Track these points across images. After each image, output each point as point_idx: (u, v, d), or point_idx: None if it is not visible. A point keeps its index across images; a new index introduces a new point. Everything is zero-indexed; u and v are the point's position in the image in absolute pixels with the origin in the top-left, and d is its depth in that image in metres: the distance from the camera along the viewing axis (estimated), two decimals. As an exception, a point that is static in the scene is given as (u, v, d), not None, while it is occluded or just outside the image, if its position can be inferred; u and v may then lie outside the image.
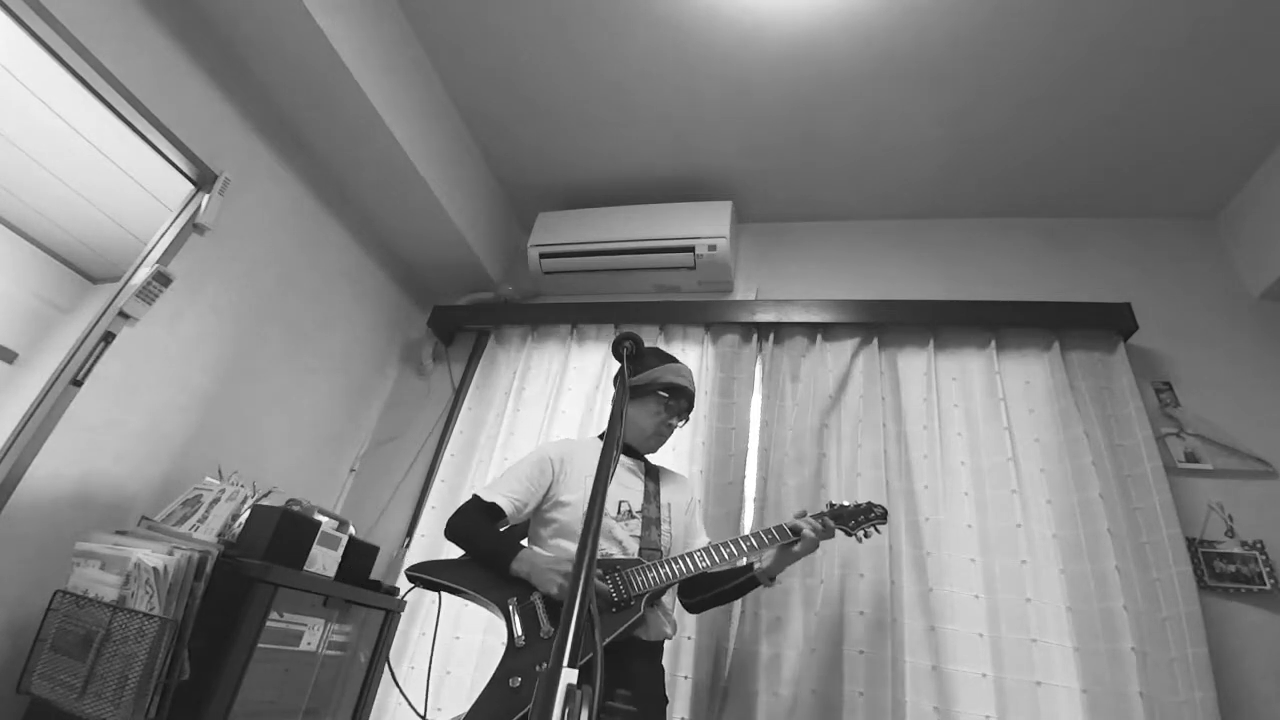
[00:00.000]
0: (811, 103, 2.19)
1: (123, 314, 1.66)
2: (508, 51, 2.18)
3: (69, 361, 1.58)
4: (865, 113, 2.21)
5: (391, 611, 1.75)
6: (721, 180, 2.59)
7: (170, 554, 1.28)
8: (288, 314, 2.22)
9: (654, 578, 1.28)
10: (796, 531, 1.38)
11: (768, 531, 1.38)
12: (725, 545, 1.35)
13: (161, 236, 1.81)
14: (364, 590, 1.65)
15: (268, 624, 1.35)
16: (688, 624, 1.80)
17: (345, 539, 1.62)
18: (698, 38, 2.02)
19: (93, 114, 1.74)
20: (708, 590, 1.46)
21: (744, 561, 1.40)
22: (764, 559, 1.42)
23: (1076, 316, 2.10)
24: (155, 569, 1.25)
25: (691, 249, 2.44)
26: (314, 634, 1.53)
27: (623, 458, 1.52)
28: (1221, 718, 1.46)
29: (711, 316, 2.41)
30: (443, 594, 1.34)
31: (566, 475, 1.45)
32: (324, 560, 1.55)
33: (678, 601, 1.51)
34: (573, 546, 1.35)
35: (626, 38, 2.06)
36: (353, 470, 2.56)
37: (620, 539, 1.37)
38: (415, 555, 2.15)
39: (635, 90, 2.25)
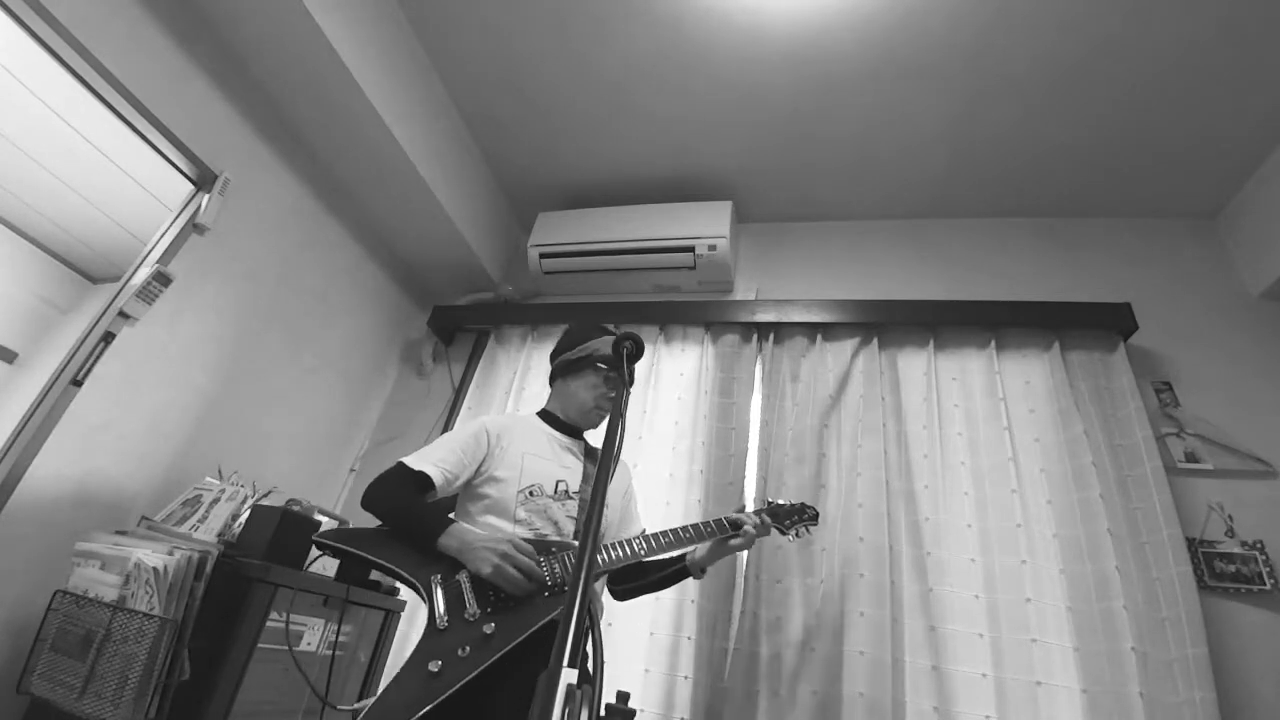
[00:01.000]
0: (812, 103, 2.19)
1: (123, 314, 1.66)
2: (508, 51, 2.18)
3: (69, 361, 1.58)
4: (865, 113, 2.21)
5: (391, 611, 1.76)
6: (721, 180, 2.59)
7: (170, 554, 1.28)
8: (288, 314, 2.22)
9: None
10: (737, 526, 1.36)
11: (707, 524, 1.36)
12: (664, 534, 1.31)
13: (161, 236, 1.81)
14: (364, 590, 1.65)
15: (268, 624, 1.35)
16: (687, 624, 1.80)
17: (345, 539, 1.61)
18: (698, 37, 2.02)
19: (93, 114, 1.75)
20: (636, 579, 1.41)
21: (679, 552, 1.37)
22: (699, 550, 1.39)
23: (1076, 316, 2.10)
24: (155, 569, 1.25)
25: (691, 249, 2.44)
26: (314, 634, 1.53)
27: (561, 435, 1.47)
28: (1221, 718, 1.46)
29: (711, 316, 2.41)
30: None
31: (504, 450, 1.36)
32: (324, 560, 1.55)
33: (606, 588, 1.46)
34: (504, 524, 1.28)
35: (627, 37, 2.06)
36: (353, 470, 2.56)
37: (556, 519, 1.30)
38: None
39: (635, 90, 2.25)
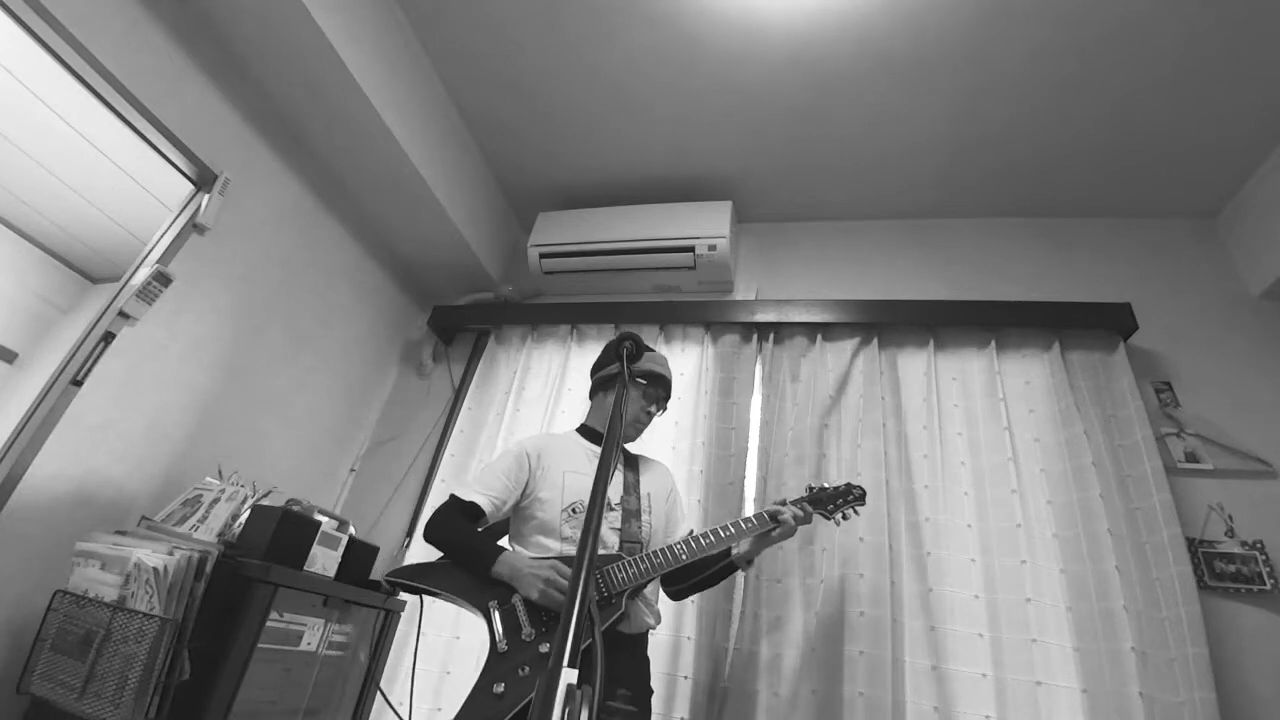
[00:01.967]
0: (812, 102, 2.19)
1: (123, 314, 1.66)
2: (508, 51, 2.18)
3: (69, 361, 1.58)
4: (865, 113, 2.21)
5: (391, 612, 1.75)
6: (721, 180, 2.59)
7: (170, 554, 1.28)
8: (288, 314, 2.21)
9: (634, 573, 1.27)
10: (775, 517, 1.39)
11: (747, 520, 1.39)
12: (705, 535, 1.35)
13: (161, 236, 1.81)
14: (364, 590, 1.65)
15: (268, 624, 1.35)
16: (687, 624, 1.80)
17: (345, 539, 1.62)
18: (698, 37, 2.02)
19: (93, 114, 1.74)
20: (687, 579, 1.46)
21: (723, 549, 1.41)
22: (741, 544, 1.43)
23: (1076, 316, 2.10)
24: (155, 569, 1.25)
25: (691, 249, 2.44)
26: (314, 634, 1.53)
27: (599, 449, 1.52)
28: (1221, 718, 1.46)
29: (711, 316, 2.41)
30: (424, 597, 1.33)
31: (545, 470, 1.44)
32: (324, 560, 1.55)
33: (661, 591, 1.51)
34: (552, 543, 1.35)
35: (627, 37, 2.06)
36: (353, 470, 2.56)
37: (600, 532, 1.35)
38: (415, 555, 2.15)
39: (636, 90, 2.25)
